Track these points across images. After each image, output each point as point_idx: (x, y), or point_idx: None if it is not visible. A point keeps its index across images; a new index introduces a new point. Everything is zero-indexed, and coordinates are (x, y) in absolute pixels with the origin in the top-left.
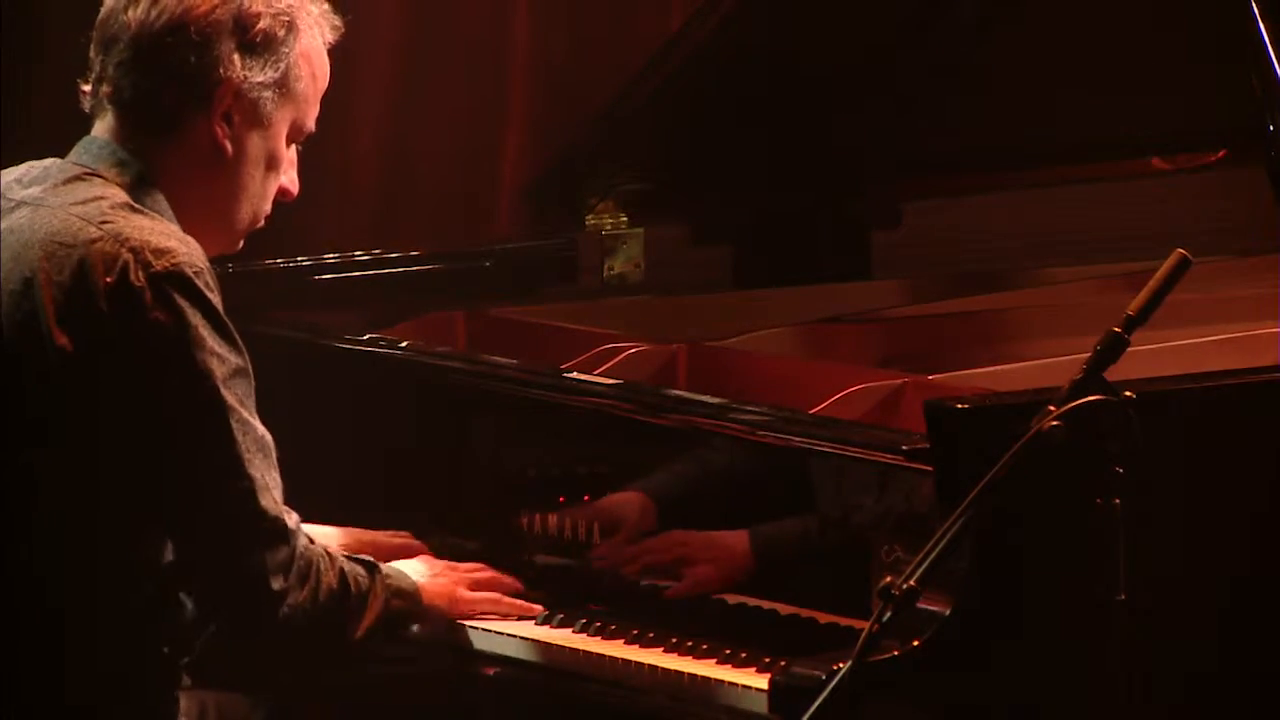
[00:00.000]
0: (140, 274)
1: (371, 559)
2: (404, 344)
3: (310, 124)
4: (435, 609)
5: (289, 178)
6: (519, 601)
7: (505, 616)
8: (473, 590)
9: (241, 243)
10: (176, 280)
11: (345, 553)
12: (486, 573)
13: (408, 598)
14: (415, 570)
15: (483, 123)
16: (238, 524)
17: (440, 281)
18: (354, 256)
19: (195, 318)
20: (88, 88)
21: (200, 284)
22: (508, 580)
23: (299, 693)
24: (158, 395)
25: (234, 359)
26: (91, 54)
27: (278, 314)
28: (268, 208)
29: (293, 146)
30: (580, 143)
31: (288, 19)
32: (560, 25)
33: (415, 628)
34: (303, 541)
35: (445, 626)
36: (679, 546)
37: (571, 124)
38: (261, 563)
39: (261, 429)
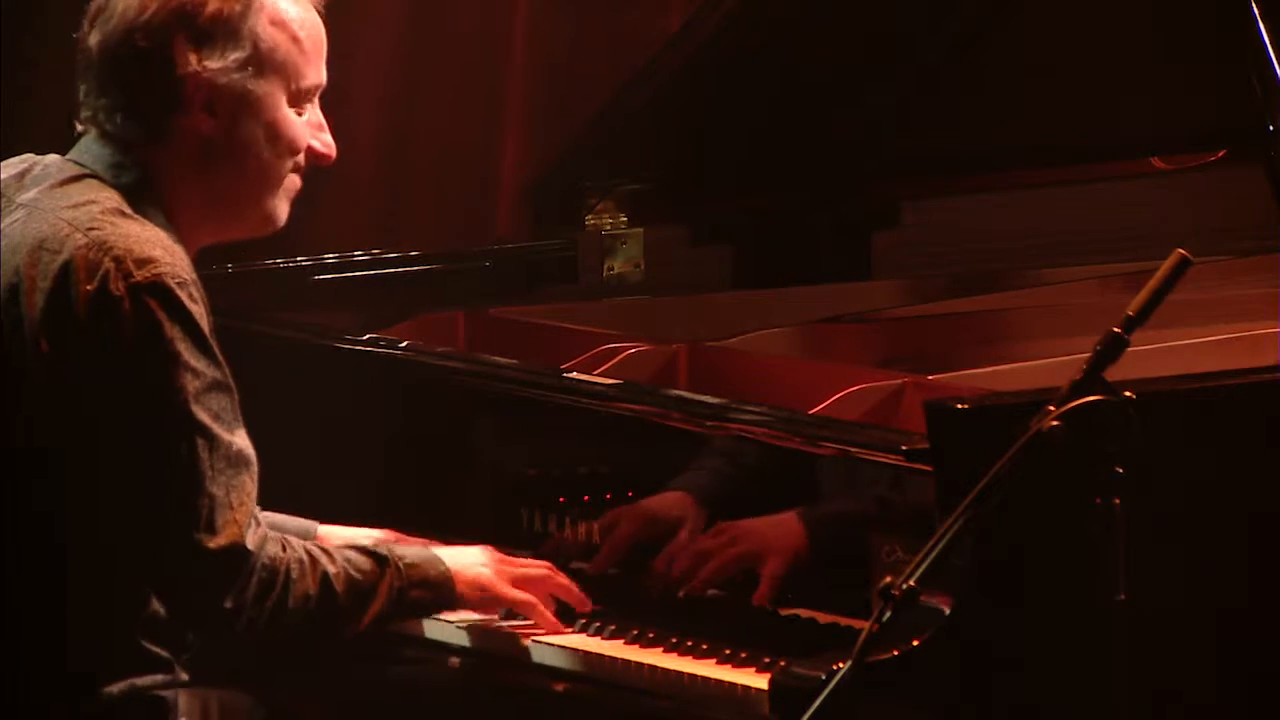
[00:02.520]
0: (120, 283)
1: (387, 552)
2: (404, 344)
3: (312, 82)
4: (467, 599)
5: (321, 141)
6: (550, 616)
7: (539, 623)
8: (516, 586)
9: (284, 216)
10: (156, 291)
11: (356, 546)
12: (540, 571)
13: (433, 587)
14: (460, 558)
15: (483, 123)
16: (189, 542)
17: (440, 281)
18: (354, 256)
19: (172, 330)
20: (80, 130)
21: (182, 296)
22: (561, 581)
23: (303, 691)
24: (127, 406)
25: (211, 373)
26: (78, 85)
27: (278, 314)
28: (298, 161)
29: (313, 106)
30: (580, 143)
31: None
32: (560, 24)
33: (450, 615)
34: (269, 552)
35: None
36: (736, 542)
37: (571, 124)
38: (211, 581)
39: (239, 443)
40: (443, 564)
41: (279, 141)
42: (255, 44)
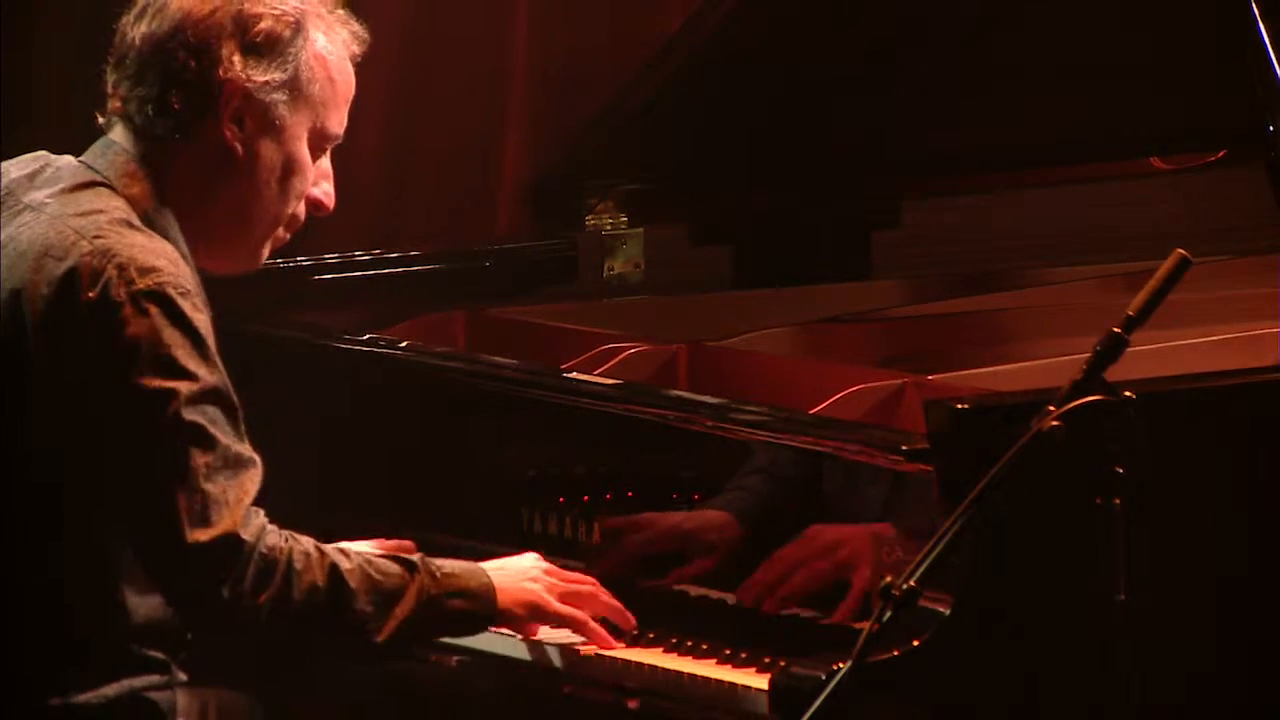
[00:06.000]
0: (122, 290)
1: (419, 559)
2: (404, 344)
3: (334, 128)
4: (513, 613)
5: (322, 190)
6: (601, 630)
7: (590, 639)
8: (563, 602)
9: (264, 257)
10: (157, 297)
11: (382, 552)
12: (587, 586)
13: (473, 597)
14: (507, 572)
15: (483, 123)
16: (182, 537)
17: (440, 281)
18: (354, 256)
19: (171, 336)
20: (104, 120)
21: (185, 305)
22: (609, 600)
23: (303, 691)
24: (122, 408)
25: (209, 379)
26: (107, 76)
27: (278, 314)
28: (297, 213)
29: (324, 157)
30: (580, 143)
31: (293, 19)
32: (560, 25)
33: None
34: (268, 542)
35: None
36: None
37: (571, 124)
38: (206, 572)
39: (236, 447)
40: (485, 576)
41: (290, 175)
42: (297, 70)
